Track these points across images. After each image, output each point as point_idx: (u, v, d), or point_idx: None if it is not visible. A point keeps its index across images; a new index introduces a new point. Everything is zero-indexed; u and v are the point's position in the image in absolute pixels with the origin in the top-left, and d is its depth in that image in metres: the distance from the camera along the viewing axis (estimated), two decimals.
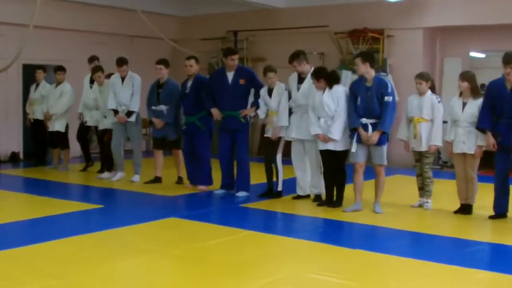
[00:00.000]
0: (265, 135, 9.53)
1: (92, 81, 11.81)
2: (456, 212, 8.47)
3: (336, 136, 8.50)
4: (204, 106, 9.88)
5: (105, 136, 11.27)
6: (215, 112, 9.74)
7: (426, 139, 8.54)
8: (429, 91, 8.64)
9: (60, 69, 12.25)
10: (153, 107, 10.50)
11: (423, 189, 8.79)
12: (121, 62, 10.79)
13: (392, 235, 7.45)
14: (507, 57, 7.87)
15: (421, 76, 8.69)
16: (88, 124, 11.89)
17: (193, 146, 10.12)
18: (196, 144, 10.07)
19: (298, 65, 9.08)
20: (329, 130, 8.52)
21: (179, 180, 10.70)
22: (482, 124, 8.10)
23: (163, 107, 10.41)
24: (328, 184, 8.91)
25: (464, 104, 8.32)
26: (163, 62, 10.50)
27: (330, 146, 8.61)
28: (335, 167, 8.73)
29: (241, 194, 9.62)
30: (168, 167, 10.96)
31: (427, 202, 8.74)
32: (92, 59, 11.91)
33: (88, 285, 5.43)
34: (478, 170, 8.57)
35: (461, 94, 8.40)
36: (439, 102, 8.62)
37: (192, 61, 10.10)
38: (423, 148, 8.59)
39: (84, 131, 12.11)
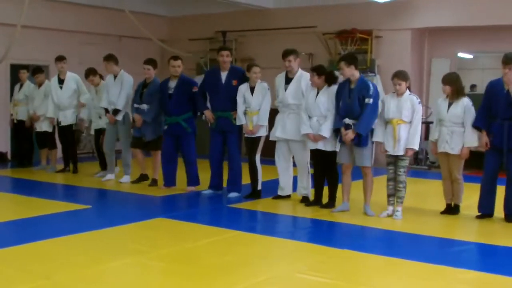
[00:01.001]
0: (245, 135, 9.47)
1: (61, 81, 11.78)
2: (442, 212, 8.49)
3: (326, 133, 8.51)
4: (197, 107, 9.92)
5: (100, 136, 11.26)
6: (208, 114, 9.73)
7: (404, 142, 8.09)
8: (408, 91, 8.20)
9: (37, 71, 12.20)
10: (136, 105, 10.46)
11: (394, 196, 8.28)
12: (104, 58, 10.89)
13: (380, 235, 7.48)
14: (506, 58, 7.91)
15: (400, 76, 8.15)
16: (63, 124, 11.82)
17: (175, 147, 10.12)
18: (182, 146, 10.06)
19: (294, 60, 9.02)
20: (320, 128, 8.55)
21: (153, 182, 10.55)
22: (477, 122, 8.14)
23: (145, 106, 10.34)
24: (318, 184, 8.94)
25: (449, 104, 8.31)
26: (152, 62, 10.47)
27: (320, 146, 8.64)
28: (326, 167, 8.75)
29: (233, 195, 9.60)
30: (149, 167, 10.87)
31: (397, 211, 8.19)
32: (60, 58, 11.79)
33: (77, 285, 5.42)
34: (466, 170, 8.60)
35: (447, 95, 8.41)
36: (419, 103, 8.17)
37: (180, 62, 10.07)
38: (401, 152, 8.12)
39: (62, 133, 12.02)
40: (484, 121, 8.11)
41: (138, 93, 10.49)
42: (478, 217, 8.24)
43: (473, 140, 8.17)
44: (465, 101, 8.24)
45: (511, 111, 7.90)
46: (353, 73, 8.30)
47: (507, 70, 7.87)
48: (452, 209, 8.46)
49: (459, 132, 8.21)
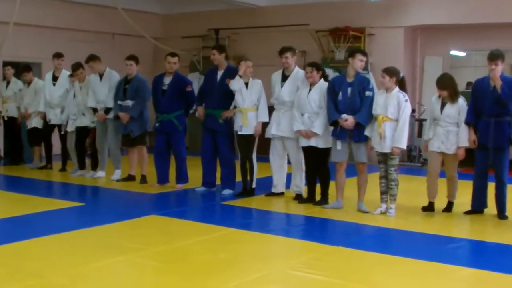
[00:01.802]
0: (239, 133, 9.39)
1: (55, 78, 11.70)
2: (424, 209, 8.44)
3: (318, 130, 8.51)
4: (192, 103, 10.00)
5: (86, 135, 11.16)
6: (199, 110, 9.78)
7: (391, 139, 8.02)
8: (396, 88, 8.10)
9: (25, 70, 12.14)
10: (120, 102, 10.38)
11: (387, 193, 8.27)
12: (88, 59, 10.83)
13: (375, 233, 7.48)
14: (491, 54, 7.95)
15: (385, 70, 8.17)
16: (52, 122, 11.73)
17: (167, 144, 10.09)
18: (173, 143, 10.04)
19: (291, 56, 9.02)
20: (312, 125, 8.54)
21: (143, 179, 10.49)
22: (468, 119, 8.13)
23: (129, 102, 10.29)
24: (311, 181, 8.94)
25: (443, 104, 8.26)
26: (134, 58, 10.44)
27: (312, 143, 8.63)
28: (318, 164, 8.74)
29: (227, 192, 9.59)
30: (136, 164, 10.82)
31: (390, 208, 8.20)
32: (58, 55, 11.72)
33: (69, 283, 5.39)
34: (459, 168, 8.60)
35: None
36: (406, 100, 8.05)
37: (177, 59, 10.05)
38: (387, 149, 8.06)
39: (49, 131, 11.93)
40: (474, 118, 8.12)
41: (120, 89, 10.42)
42: (466, 212, 8.31)
43: (466, 139, 8.16)
44: (460, 101, 8.21)
45: (497, 107, 7.95)
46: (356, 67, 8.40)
47: (493, 66, 7.90)
48: (445, 207, 8.45)
49: (455, 132, 8.19)
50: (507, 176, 8.15)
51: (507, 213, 8.11)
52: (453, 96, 8.22)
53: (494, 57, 7.91)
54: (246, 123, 9.24)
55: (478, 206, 8.32)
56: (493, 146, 7.99)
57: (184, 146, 10.21)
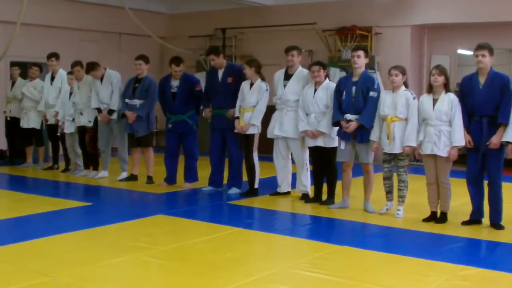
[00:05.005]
0: (235, 131, 9.40)
1: (53, 79, 11.71)
2: (425, 220, 7.83)
3: (325, 129, 8.52)
4: (200, 104, 10.05)
5: (85, 134, 11.11)
6: (206, 111, 9.86)
7: (401, 140, 7.83)
8: (403, 87, 7.96)
9: (35, 65, 12.15)
10: (127, 100, 10.39)
11: (392, 192, 8.19)
12: (89, 69, 10.74)
13: (380, 232, 7.47)
14: (477, 46, 7.47)
15: (397, 67, 7.97)
16: (50, 122, 11.76)
17: (178, 145, 10.16)
18: (187, 142, 10.10)
19: (297, 55, 9.02)
20: (319, 124, 8.55)
21: (149, 180, 10.51)
22: (464, 122, 7.57)
23: (137, 102, 10.30)
24: (317, 181, 8.95)
25: (434, 101, 7.63)
26: (143, 57, 10.45)
27: (319, 143, 8.64)
28: (326, 164, 8.75)
29: (233, 191, 9.61)
30: (142, 165, 10.84)
31: (398, 210, 8.03)
32: (47, 56, 11.73)
33: (76, 282, 5.42)
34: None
35: (430, 90, 7.70)
36: (414, 98, 7.84)
37: (181, 65, 10.09)
38: (397, 150, 7.90)
39: (52, 130, 11.89)
40: (465, 119, 7.52)
41: (130, 88, 10.43)
42: (464, 223, 7.73)
43: (460, 138, 7.48)
44: (451, 96, 7.55)
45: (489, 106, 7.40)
46: (361, 64, 8.31)
47: (480, 58, 7.42)
48: (438, 218, 7.81)
49: (447, 132, 7.54)
50: (501, 179, 7.62)
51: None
52: (445, 85, 7.59)
53: (479, 47, 7.43)
54: (242, 123, 9.26)
55: (477, 216, 7.74)
56: (486, 148, 7.42)
57: (197, 145, 10.25)
